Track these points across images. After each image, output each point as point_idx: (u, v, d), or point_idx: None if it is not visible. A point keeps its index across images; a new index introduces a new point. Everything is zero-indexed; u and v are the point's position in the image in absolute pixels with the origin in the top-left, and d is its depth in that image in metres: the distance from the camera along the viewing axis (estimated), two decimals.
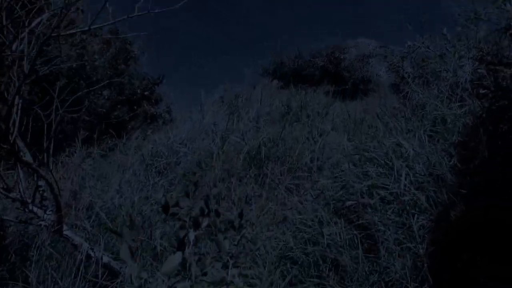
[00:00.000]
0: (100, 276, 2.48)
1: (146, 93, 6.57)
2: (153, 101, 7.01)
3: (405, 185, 3.08)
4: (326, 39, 15.27)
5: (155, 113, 6.68)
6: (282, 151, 4.21)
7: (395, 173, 3.12)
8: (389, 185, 3.09)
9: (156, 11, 2.41)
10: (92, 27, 2.32)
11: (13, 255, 2.65)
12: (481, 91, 4.42)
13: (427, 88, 4.64)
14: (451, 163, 3.50)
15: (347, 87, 14.39)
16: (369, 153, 3.44)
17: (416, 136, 3.81)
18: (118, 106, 5.57)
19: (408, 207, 2.95)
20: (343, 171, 3.44)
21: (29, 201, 2.43)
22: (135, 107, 6.09)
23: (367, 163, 3.36)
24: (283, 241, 2.93)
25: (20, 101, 2.26)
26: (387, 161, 3.23)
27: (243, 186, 3.89)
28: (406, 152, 3.35)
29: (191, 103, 7.34)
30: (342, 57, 15.20)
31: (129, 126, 5.70)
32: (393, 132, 3.90)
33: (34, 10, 2.29)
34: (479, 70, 4.41)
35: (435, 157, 3.46)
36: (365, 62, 15.26)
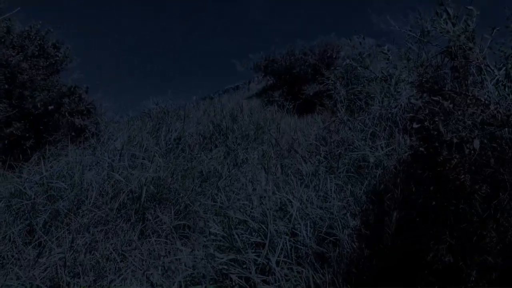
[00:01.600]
0: None
1: (68, 104, 5.92)
2: (85, 112, 6.37)
3: (278, 261, 2.43)
4: (319, 36, 14.84)
5: (80, 125, 6.05)
6: (176, 190, 3.58)
7: (268, 242, 2.47)
8: (257, 260, 2.44)
9: None
10: None
11: None
12: (415, 125, 3.77)
13: (356, 119, 3.97)
14: (354, 224, 2.86)
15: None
16: (251, 211, 2.78)
17: (322, 184, 3.17)
18: (14, 122, 4.92)
19: None
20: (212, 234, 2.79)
21: None
22: (46, 121, 5.44)
23: (240, 225, 2.71)
24: None
25: None
26: (263, 226, 2.57)
27: (116, 236, 3.25)
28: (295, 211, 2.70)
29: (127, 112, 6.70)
30: (334, 56, 14.75)
31: (28, 145, 5.06)
32: (294, 178, 3.24)
33: None
34: (413, 101, 3.74)
35: (334, 215, 2.82)
36: (358, 61, 14.72)
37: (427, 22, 4.35)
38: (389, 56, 4.31)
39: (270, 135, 4.85)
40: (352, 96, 4.26)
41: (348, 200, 3.00)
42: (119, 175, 3.76)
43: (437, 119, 3.49)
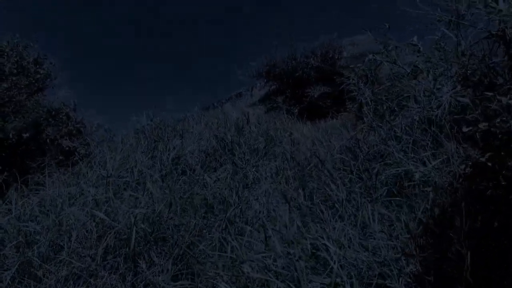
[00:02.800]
0: None
1: (54, 125, 5.28)
2: (74, 132, 5.71)
3: None
4: (321, 37, 14.33)
5: (68, 148, 5.40)
6: (175, 227, 2.89)
7: None
8: None
9: None
10: None
11: None
12: (464, 129, 3.05)
13: (389, 125, 3.26)
14: (411, 269, 2.14)
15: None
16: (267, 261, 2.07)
17: (360, 213, 2.46)
18: None
19: None
20: None
21: None
22: (24, 149, 4.79)
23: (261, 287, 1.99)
24: None
25: None
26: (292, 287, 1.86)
27: None
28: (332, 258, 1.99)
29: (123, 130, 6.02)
30: (337, 57, 14.24)
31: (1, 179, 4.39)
32: (322, 207, 2.54)
33: None
34: (460, 99, 3.02)
35: (384, 258, 2.11)
36: (362, 61, 14.17)
37: (461, 3, 3.64)
38: (420, 47, 3.60)
39: (283, 147, 4.15)
40: (380, 97, 3.55)
41: (398, 234, 2.29)
42: (105, 209, 3.09)
43: (498, 120, 2.79)
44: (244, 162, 4.03)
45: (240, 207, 3.25)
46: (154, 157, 4.38)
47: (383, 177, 2.84)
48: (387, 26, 3.72)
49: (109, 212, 3.05)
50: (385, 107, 3.46)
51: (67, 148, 5.40)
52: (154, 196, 3.12)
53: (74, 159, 5.32)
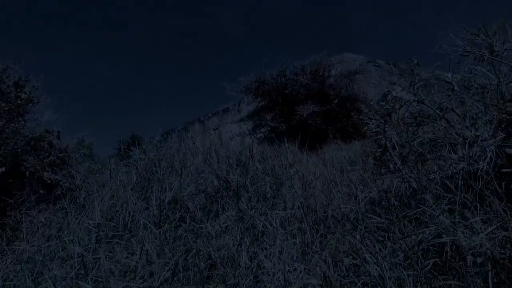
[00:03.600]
0: None
1: (35, 155, 4.75)
2: (57, 162, 5.17)
3: None
4: (311, 55, 14.22)
5: (50, 180, 4.86)
6: None
7: None
8: None
9: None
10: None
11: None
12: None
13: (426, 177, 2.85)
14: None
15: (332, 105, 13.13)
16: None
17: None
18: None
19: None
20: None
21: None
22: None
23: None
24: None
25: None
26: None
27: None
28: None
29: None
30: (326, 75, 14.07)
31: None
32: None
33: None
34: (508, 150, 2.64)
35: None
36: (351, 79, 14.09)
37: (495, 38, 3.30)
38: (454, 86, 3.23)
39: (293, 191, 3.71)
40: (408, 141, 3.16)
41: None
42: (94, 276, 2.59)
43: None
44: (251, 209, 3.58)
45: (252, 269, 2.79)
46: (147, 198, 3.89)
47: (423, 244, 2.42)
48: (416, 62, 3.34)
49: (98, 280, 2.55)
50: (415, 154, 3.06)
51: (48, 181, 4.86)
52: (151, 256, 2.62)
53: (57, 193, 4.79)
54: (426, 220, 2.62)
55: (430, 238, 2.41)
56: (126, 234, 3.23)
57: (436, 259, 2.34)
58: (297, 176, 4.23)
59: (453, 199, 2.59)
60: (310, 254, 2.75)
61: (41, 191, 4.86)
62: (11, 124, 4.72)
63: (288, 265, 2.78)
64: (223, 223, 3.44)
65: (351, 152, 5.50)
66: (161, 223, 3.50)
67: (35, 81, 5.23)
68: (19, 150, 4.45)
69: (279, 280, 2.64)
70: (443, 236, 2.42)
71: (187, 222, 3.46)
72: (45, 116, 5.29)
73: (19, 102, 4.82)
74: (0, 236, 3.96)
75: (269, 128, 14.25)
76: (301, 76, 13.87)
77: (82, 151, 5.36)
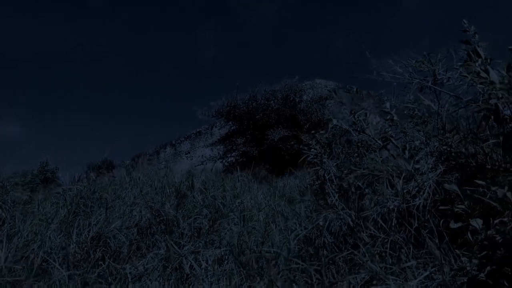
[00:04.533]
0: None
1: None
2: None
3: None
4: (282, 80, 14.26)
5: None
6: None
7: None
8: None
9: None
10: None
11: None
12: (453, 225, 2.43)
13: (359, 215, 2.60)
14: None
15: (304, 130, 13.04)
16: None
17: None
18: None
19: None
20: None
21: None
22: None
23: None
24: None
25: None
26: None
27: None
28: None
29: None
30: (297, 100, 14.04)
31: None
32: None
33: None
34: (447, 186, 2.41)
35: None
36: (322, 105, 14.08)
37: (437, 66, 3.15)
38: (393, 116, 3.03)
39: (230, 227, 3.41)
40: (347, 174, 2.92)
41: None
42: None
43: (497, 221, 2.20)
44: (181, 246, 3.24)
45: None
46: (70, 234, 3.50)
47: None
48: (355, 89, 3.15)
49: None
50: (352, 188, 2.82)
51: None
52: None
53: None
54: (361, 262, 2.36)
55: (359, 286, 2.14)
56: (29, 280, 2.83)
57: None
58: (240, 209, 3.93)
59: (386, 240, 2.34)
60: None
61: None
62: None
63: None
64: (147, 264, 3.08)
65: (304, 180, 5.25)
66: (78, 264, 3.12)
67: None
68: None
69: None
70: (374, 283, 2.15)
71: (106, 262, 3.09)
72: None
73: None
74: None
75: (240, 152, 14.03)
76: (272, 101, 13.81)
77: (14, 179, 4.92)
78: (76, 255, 3.19)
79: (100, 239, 3.39)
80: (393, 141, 2.81)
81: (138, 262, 3.13)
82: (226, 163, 14.28)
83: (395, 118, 2.93)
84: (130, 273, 2.94)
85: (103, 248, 3.32)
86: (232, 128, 14.66)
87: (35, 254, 3.21)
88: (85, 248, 3.30)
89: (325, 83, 22.21)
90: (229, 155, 14.40)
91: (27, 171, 16.41)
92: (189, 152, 24.78)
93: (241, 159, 13.72)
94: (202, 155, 19.85)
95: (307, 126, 13.29)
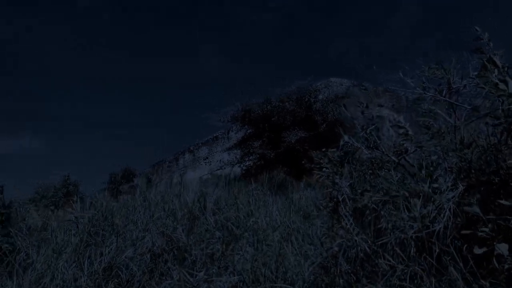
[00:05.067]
0: None
1: None
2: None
3: None
4: (296, 81, 14.18)
5: None
6: None
7: None
8: None
9: None
10: None
11: None
12: (477, 250, 2.27)
13: (373, 237, 2.46)
14: None
15: (320, 130, 12.91)
16: None
17: None
18: None
19: None
20: None
21: None
22: None
23: None
24: None
25: None
26: None
27: None
28: None
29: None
30: (312, 100, 13.89)
31: None
32: None
33: None
34: (467, 209, 2.25)
35: None
36: (338, 104, 13.88)
37: (451, 74, 2.97)
38: (408, 131, 2.87)
39: (243, 253, 3.30)
40: (361, 195, 2.78)
41: None
42: None
43: None
44: (193, 275, 3.16)
45: None
46: (81, 265, 3.46)
47: None
48: (365, 105, 3.00)
49: None
50: (367, 210, 2.67)
51: None
52: None
53: None
54: None
55: None
56: None
57: None
58: (253, 228, 3.83)
59: (406, 270, 2.20)
60: None
61: None
62: None
63: None
64: None
65: (319, 192, 5.11)
66: None
67: None
68: None
69: None
70: None
71: None
72: None
73: None
74: None
75: (257, 156, 13.95)
76: (287, 103, 13.68)
77: (27, 206, 4.93)
78: None
79: (112, 269, 3.34)
80: (407, 159, 2.65)
81: None
82: (244, 167, 14.23)
83: (410, 132, 2.77)
84: None
85: (115, 280, 3.26)
86: (248, 131, 14.61)
87: None
88: (97, 280, 3.24)
89: (340, 81, 21.90)
90: (246, 158, 14.35)
91: (50, 186, 16.64)
92: (207, 158, 24.78)
93: (258, 162, 13.65)
94: (220, 160, 19.82)
95: (324, 126, 13.12)
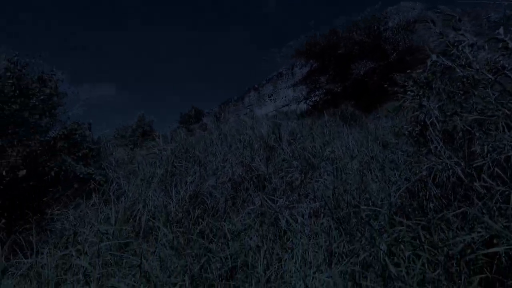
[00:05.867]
0: None
1: (67, 149, 4.70)
2: (90, 155, 5.10)
3: None
4: (364, 9, 13.32)
5: (82, 175, 4.79)
6: None
7: None
8: None
9: None
10: None
11: None
12: None
13: (468, 159, 2.30)
14: None
15: (390, 60, 12.26)
16: None
17: None
18: None
19: None
20: None
21: None
22: (24, 186, 4.20)
23: None
24: None
25: None
26: None
27: None
28: None
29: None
30: (382, 28, 13.05)
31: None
32: None
33: None
34: None
35: None
36: (409, 30, 12.91)
37: None
38: (508, 43, 2.56)
39: (323, 180, 3.29)
40: (451, 117, 2.58)
41: None
42: None
43: None
44: (275, 201, 3.22)
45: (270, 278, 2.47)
46: (169, 193, 3.67)
47: (468, 255, 1.93)
48: (457, 18, 2.69)
49: None
50: (460, 133, 2.49)
51: (81, 176, 4.82)
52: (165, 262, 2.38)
53: (90, 187, 4.74)
54: (476, 218, 2.11)
55: (476, 247, 1.92)
56: (137, 241, 3.03)
57: (485, 274, 1.87)
58: (330, 157, 3.78)
59: (507, 192, 2.05)
60: (334, 262, 2.36)
61: (75, 186, 4.84)
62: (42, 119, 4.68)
63: (312, 272, 2.43)
64: (243, 221, 3.13)
65: (398, 120, 4.88)
66: (180, 222, 3.27)
67: (61, 74, 5.13)
68: (38, 151, 4.39)
69: None
70: (494, 242, 1.92)
71: (205, 219, 3.19)
72: (75, 109, 5.21)
73: (43, 97, 4.74)
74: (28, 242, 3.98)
75: (324, 91, 13.63)
76: (354, 33, 12.95)
77: (113, 141, 5.27)
78: (177, 213, 3.34)
79: (197, 197, 3.50)
80: (509, 74, 2.39)
81: (235, 218, 3.19)
82: (310, 103, 13.99)
83: (510, 45, 2.47)
84: (228, 229, 3.00)
85: (201, 206, 3.43)
86: (314, 66, 14.14)
87: (140, 214, 3.42)
88: (185, 207, 3.43)
89: (411, 5, 20.17)
90: (312, 94, 14.02)
91: (127, 127, 17.68)
92: (272, 95, 24.64)
93: (325, 97, 13.33)
94: (285, 97, 19.66)
95: (394, 55, 12.34)
